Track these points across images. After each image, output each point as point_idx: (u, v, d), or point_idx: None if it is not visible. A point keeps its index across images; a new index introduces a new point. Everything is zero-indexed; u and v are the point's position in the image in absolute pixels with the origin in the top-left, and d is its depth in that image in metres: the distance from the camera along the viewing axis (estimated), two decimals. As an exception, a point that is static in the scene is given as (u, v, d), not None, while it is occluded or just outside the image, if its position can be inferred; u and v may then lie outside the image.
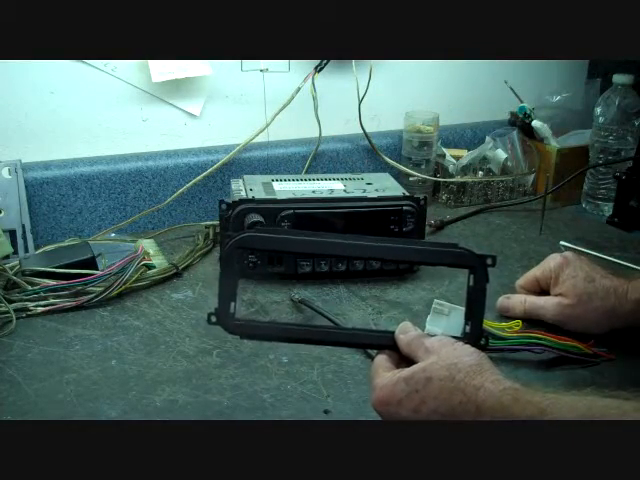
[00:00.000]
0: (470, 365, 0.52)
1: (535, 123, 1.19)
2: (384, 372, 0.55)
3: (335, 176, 0.97)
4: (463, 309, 0.68)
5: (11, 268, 0.82)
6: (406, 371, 0.54)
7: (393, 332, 0.58)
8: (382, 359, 0.57)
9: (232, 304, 0.57)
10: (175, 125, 1.05)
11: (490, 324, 0.69)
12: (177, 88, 1.02)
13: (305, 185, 0.92)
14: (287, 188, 0.90)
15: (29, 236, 0.93)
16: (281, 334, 0.58)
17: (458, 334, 0.68)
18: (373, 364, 0.57)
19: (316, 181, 0.94)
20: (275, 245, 0.58)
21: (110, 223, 1.00)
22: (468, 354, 0.53)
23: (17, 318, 0.74)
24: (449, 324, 0.69)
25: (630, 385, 0.47)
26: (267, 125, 1.05)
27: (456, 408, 0.50)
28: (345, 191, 0.89)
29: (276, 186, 0.90)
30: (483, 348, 0.68)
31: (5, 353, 0.68)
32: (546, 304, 0.74)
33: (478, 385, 0.50)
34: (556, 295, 0.74)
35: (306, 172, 1.10)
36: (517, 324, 0.70)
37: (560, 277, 0.74)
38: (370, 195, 0.88)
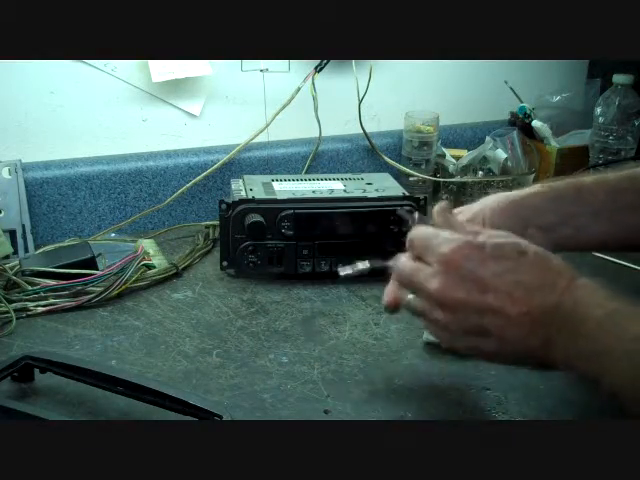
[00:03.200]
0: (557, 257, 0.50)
1: (535, 123, 1.19)
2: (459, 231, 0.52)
3: (335, 176, 0.96)
4: None
5: (11, 268, 0.81)
6: (495, 239, 0.50)
7: None
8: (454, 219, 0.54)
9: None
10: (175, 125, 1.05)
11: None
12: (177, 88, 1.02)
13: (305, 185, 0.92)
14: (287, 188, 0.90)
15: (29, 236, 0.93)
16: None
17: None
18: (438, 214, 0.55)
19: (316, 181, 0.94)
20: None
21: (110, 223, 1.00)
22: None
23: (17, 318, 0.74)
24: None
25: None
26: (267, 125, 1.05)
27: (545, 284, 0.48)
28: (345, 191, 0.89)
29: (276, 186, 0.90)
30: None
31: (5, 353, 0.68)
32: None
33: (576, 274, 0.48)
34: None
35: (306, 172, 1.10)
36: None
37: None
38: (370, 195, 0.88)
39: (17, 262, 0.83)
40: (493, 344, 0.49)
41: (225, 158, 1.04)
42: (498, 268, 0.48)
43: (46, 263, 0.82)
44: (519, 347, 0.49)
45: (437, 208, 0.56)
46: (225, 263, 0.87)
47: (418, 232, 0.54)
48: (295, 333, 0.74)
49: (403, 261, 0.54)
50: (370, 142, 1.12)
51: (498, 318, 0.48)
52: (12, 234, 0.91)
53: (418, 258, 0.53)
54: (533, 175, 1.19)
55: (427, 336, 0.70)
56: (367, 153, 1.15)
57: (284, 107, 1.04)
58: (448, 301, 0.50)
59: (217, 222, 0.88)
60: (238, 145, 1.05)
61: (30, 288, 0.78)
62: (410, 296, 0.55)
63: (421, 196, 0.88)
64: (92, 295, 0.78)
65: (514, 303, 0.47)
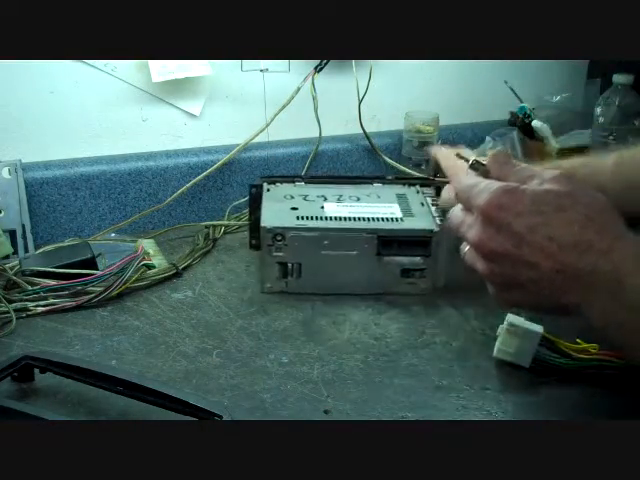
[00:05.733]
0: (611, 210, 0.47)
1: (535, 123, 1.18)
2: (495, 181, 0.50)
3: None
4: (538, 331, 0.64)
5: (11, 268, 0.81)
6: (534, 189, 0.48)
7: None
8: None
9: None
10: (175, 125, 1.05)
11: (570, 346, 0.65)
12: (177, 88, 1.02)
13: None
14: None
15: (29, 236, 0.93)
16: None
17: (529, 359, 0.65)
18: (492, 161, 0.53)
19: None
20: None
21: (110, 223, 1.00)
22: (602, 196, 0.48)
23: (17, 318, 0.74)
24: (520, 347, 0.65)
25: None
26: (267, 125, 1.05)
27: (580, 243, 0.45)
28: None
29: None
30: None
31: (5, 353, 0.68)
32: None
33: (617, 234, 0.45)
34: None
35: (306, 172, 1.10)
36: (594, 347, 0.65)
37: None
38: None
39: (17, 262, 0.83)
40: (530, 297, 0.49)
41: (225, 158, 1.04)
42: (532, 221, 0.46)
43: (46, 263, 0.82)
44: (555, 303, 0.48)
45: (491, 155, 0.54)
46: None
47: (461, 182, 0.53)
48: (295, 333, 0.74)
49: (454, 211, 0.54)
50: (370, 142, 1.12)
51: (533, 272, 0.47)
52: (12, 234, 0.91)
53: (466, 208, 0.53)
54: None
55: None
56: (367, 153, 1.15)
57: (284, 107, 1.04)
58: (486, 252, 0.49)
59: (217, 222, 0.88)
60: (238, 145, 1.05)
61: (30, 288, 0.78)
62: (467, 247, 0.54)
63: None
64: (92, 295, 0.78)
65: (547, 258, 0.46)
